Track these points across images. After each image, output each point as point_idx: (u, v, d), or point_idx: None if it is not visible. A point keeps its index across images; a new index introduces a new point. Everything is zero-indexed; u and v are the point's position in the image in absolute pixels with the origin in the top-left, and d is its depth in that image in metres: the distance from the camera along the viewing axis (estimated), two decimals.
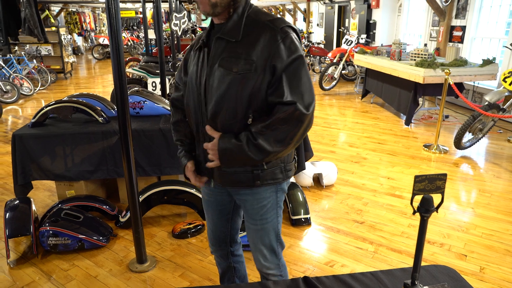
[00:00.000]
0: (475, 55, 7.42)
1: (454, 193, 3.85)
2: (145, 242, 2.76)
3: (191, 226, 3.14)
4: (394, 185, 4.00)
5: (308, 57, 11.10)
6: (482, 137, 4.89)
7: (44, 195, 3.84)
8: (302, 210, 3.27)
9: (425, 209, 1.10)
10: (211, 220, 1.89)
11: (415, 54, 6.19)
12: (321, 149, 5.07)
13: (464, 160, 4.72)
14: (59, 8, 14.87)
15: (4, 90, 7.87)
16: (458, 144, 4.76)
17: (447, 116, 6.57)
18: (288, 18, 18.69)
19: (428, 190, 1.08)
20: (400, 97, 6.32)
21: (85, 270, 2.70)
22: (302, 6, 16.34)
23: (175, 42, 7.05)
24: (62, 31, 11.36)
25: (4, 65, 8.37)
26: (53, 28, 10.72)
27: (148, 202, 3.22)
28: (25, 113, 7.30)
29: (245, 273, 2.12)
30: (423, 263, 1.41)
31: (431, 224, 3.22)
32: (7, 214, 2.87)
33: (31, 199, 3.09)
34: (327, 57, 10.49)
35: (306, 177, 3.87)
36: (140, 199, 3.06)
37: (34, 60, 9.97)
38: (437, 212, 1.12)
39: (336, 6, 13.68)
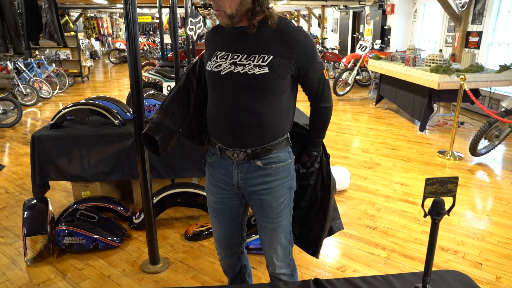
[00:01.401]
0: (491, 61, 7.33)
1: (469, 200, 3.80)
2: (158, 243, 2.79)
3: (203, 228, 3.17)
4: (408, 191, 3.97)
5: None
6: (498, 144, 4.82)
7: (60, 195, 3.92)
8: None
9: (436, 212, 1.10)
10: (222, 227, 1.89)
11: (430, 59, 6.14)
12: (334, 154, 5.06)
13: (480, 167, 4.66)
14: (78, 13, 15.19)
15: (24, 93, 8.06)
16: (473, 151, 4.70)
17: (462, 123, 6.49)
18: (303, 24, 18.72)
19: (439, 193, 1.08)
20: (415, 103, 6.28)
21: (99, 269, 2.74)
22: (317, 11, 16.36)
23: (190, 46, 7.14)
24: (81, 36, 11.60)
25: (25, 69, 8.57)
26: (72, 33, 10.95)
27: (162, 204, 3.26)
28: (44, 116, 7.45)
29: (250, 268, 2.17)
30: (436, 269, 1.41)
31: (445, 231, 3.19)
32: (25, 213, 2.94)
33: (48, 199, 3.15)
34: (341, 63, 10.47)
35: None
36: (154, 201, 3.10)
37: (53, 64, 10.20)
38: (448, 215, 1.12)
39: (351, 11, 13.67)
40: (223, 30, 1.64)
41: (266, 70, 1.51)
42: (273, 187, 1.69)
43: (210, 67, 1.63)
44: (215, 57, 1.62)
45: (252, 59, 1.53)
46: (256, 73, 1.52)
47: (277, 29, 1.54)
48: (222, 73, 1.57)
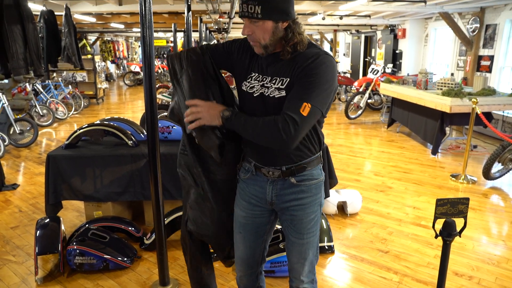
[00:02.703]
0: (504, 85, 7.30)
1: (483, 224, 3.73)
2: (168, 264, 2.78)
3: (213, 250, 3.15)
4: (420, 215, 3.91)
5: None
6: None
7: (72, 215, 3.95)
8: (325, 238, 3.24)
9: (448, 233, 1.09)
10: (247, 244, 1.90)
11: (442, 83, 6.15)
12: (346, 177, 5.03)
13: (494, 191, 4.58)
14: (95, 37, 15.63)
15: (41, 114, 8.24)
16: (487, 175, 4.64)
17: (475, 146, 6.43)
18: None
19: (450, 214, 1.07)
20: (427, 126, 6.25)
21: None
22: (329, 36, 16.55)
23: None
24: (97, 58, 11.88)
25: (42, 91, 8.79)
26: (89, 56, 11.24)
27: (173, 225, 3.27)
28: (59, 136, 7.59)
29: None
30: None
31: (459, 256, 3.13)
32: (38, 231, 2.97)
33: (61, 218, 3.18)
34: (353, 86, 10.51)
35: (330, 204, 3.84)
36: (165, 222, 3.10)
37: (70, 86, 10.44)
38: (459, 236, 1.12)
39: (363, 36, 13.81)
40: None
41: (283, 93, 1.57)
42: (305, 204, 1.74)
43: (245, 87, 1.70)
44: (249, 78, 1.69)
45: (274, 81, 1.60)
46: (276, 96, 1.58)
47: (299, 53, 1.58)
48: (255, 95, 1.65)
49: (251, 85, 1.67)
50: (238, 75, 1.76)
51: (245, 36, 1.63)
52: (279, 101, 1.57)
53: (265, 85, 1.62)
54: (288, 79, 1.57)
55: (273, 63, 1.63)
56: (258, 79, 1.66)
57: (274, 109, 1.59)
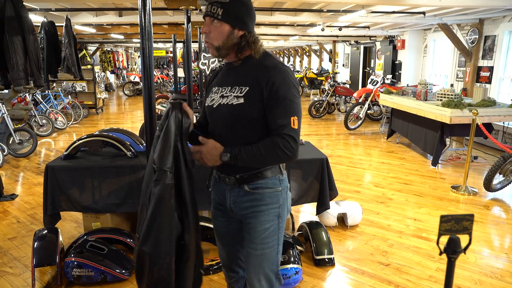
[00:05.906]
0: (504, 96, 7.31)
1: (485, 237, 3.70)
2: None
3: (213, 262, 3.12)
4: (421, 227, 3.88)
5: (334, 97, 11.19)
6: None
7: (70, 226, 3.92)
8: (326, 250, 3.21)
9: (452, 250, 1.07)
10: (226, 250, 1.96)
11: (442, 94, 6.16)
12: (346, 188, 5.01)
13: (496, 203, 4.56)
14: (95, 47, 15.70)
15: (40, 124, 8.24)
16: (488, 186, 4.61)
17: (476, 157, 6.41)
18: (314, 59, 19.02)
19: (454, 231, 1.06)
20: (427, 137, 6.24)
21: None
22: (328, 47, 16.65)
23: (203, 80, 7.28)
24: (97, 69, 11.92)
25: (42, 101, 8.80)
26: (89, 66, 11.28)
27: None
28: (58, 146, 7.57)
29: None
30: None
31: (461, 269, 3.09)
32: (35, 243, 2.94)
33: (59, 230, 3.15)
34: (352, 97, 10.54)
35: (330, 216, 3.81)
36: None
37: (69, 96, 10.45)
38: (465, 253, 1.09)
39: (362, 47, 13.88)
40: (220, 70, 1.83)
41: (241, 100, 1.63)
42: (259, 211, 1.75)
43: (207, 103, 1.80)
44: (211, 93, 1.80)
45: (233, 90, 1.67)
46: (234, 104, 1.65)
47: (257, 63, 1.66)
48: (214, 106, 1.74)
49: (211, 99, 1.76)
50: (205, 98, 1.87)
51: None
52: (237, 108, 1.63)
53: (224, 95, 1.69)
54: (248, 88, 1.63)
55: (231, 74, 1.71)
56: (217, 92, 1.74)
57: (231, 116, 1.66)
